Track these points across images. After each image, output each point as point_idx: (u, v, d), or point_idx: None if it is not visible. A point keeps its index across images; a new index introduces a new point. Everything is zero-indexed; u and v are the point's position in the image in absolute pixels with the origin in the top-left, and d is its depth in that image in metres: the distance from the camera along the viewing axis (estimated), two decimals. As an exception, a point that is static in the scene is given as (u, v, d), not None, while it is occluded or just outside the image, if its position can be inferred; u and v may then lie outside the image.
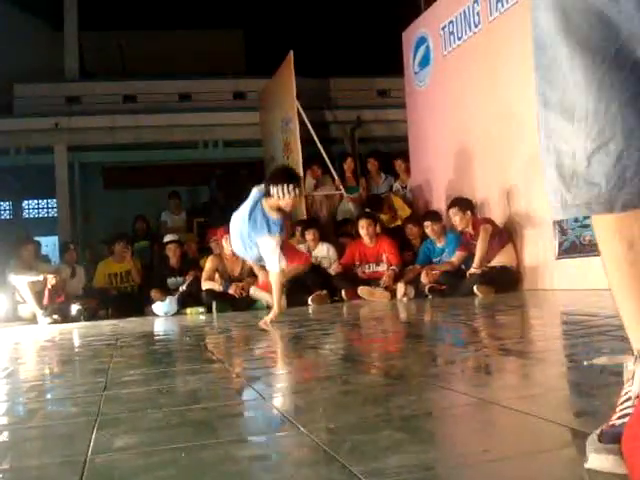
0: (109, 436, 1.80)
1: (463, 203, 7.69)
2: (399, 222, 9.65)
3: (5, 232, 12.95)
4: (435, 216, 8.21)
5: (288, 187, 5.19)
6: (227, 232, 8.26)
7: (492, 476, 1.25)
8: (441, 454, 1.43)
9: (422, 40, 9.82)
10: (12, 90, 13.47)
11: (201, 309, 8.19)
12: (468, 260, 7.63)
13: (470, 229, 7.65)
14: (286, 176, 5.36)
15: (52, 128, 13.06)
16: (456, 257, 7.76)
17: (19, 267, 8.92)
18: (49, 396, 2.81)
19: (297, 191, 5.30)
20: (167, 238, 9.70)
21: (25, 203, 17.97)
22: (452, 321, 5.00)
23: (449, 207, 7.84)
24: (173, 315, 8.06)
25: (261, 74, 12.92)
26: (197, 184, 14.80)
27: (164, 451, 1.59)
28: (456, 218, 7.68)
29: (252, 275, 8.13)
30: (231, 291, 8.04)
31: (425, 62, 9.76)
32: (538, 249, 7.29)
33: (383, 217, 9.55)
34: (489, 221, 7.55)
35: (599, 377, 1.99)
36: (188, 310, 8.23)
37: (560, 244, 6.84)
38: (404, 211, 9.81)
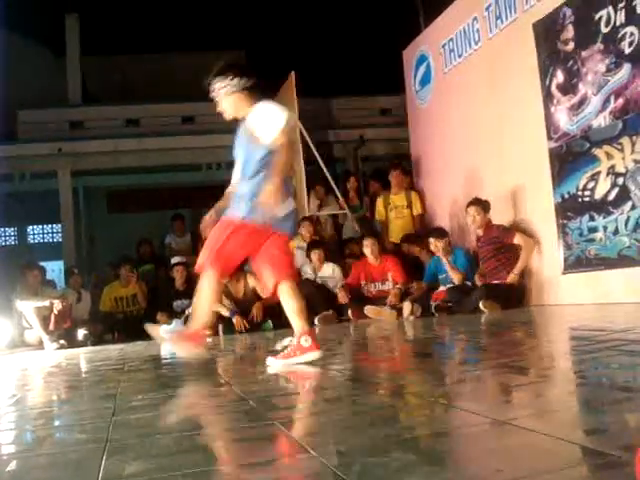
0: (119, 463, 1.79)
1: (482, 203, 7.67)
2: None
3: (10, 258, 12.98)
4: (440, 233, 8.19)
5: None
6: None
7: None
8: (453, 475, 1.41)
9: (423, 58, 9.86)
10: (16, 116, 13.52)
11: (207, 332, 8.15)
12: (472, 276, 7.63)
13: (481, 231, 7.64)
14: None
15: (55, 153, 13.07)
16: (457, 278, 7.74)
17: (25, 293, 8.92)
18: (57, 423, 2.80)
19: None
20: (174, 260, 9.71)
21: (30, 228, 18.03)
22: (459, 339, 4.99)
23: (468, 205, 7.76)
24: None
25: (263, 95, 12.93)
26: (201, 206, 14.80)
27: (174, 477, 1.58)
28: (475, 216, 7.65)
29: (256, 296, 8.15)
30: (235, 322, 8.03)
31: (426, 80, 9.79)
32: (543, 264, 7.28)
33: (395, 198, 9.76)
34: (508, 234, 7.52)
35: (609, 394, 1.98)
36: (194, 333, 8.19)
37: (565, 259, 6.82)
38: (417, 207, 9.79)
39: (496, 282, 7.32)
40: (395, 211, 9.90)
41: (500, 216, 7.75)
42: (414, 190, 10.05)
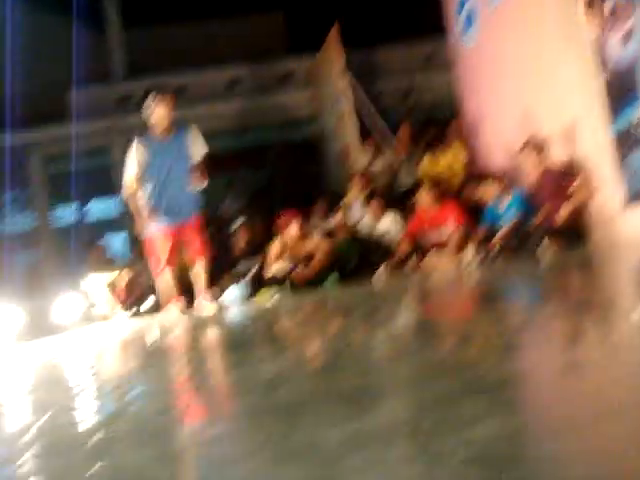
0: (197, 428, 1.84)
1: (537, 144, 7.54)
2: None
3: (74, 234, 13.26)
4: (495, 176, 8.07)
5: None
6: (295, 215, 8.32)
7: (580, 441, 1.24)
8: (526, 421, 1.42)
9: (466, -2, 9.64)
10: (65, 97, 13.69)
11: (272, 292, 8.22)
12: (532, 217, 7.51)
13: (540, 173, 7.53)
14: None
15: (107, 129, 13.24)
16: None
17: (93, 266, 9.13)
18: (137, 391, 2.87)
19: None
20: (236, 222, 9.80)
21: (90, 204, 18.35)
22: (523, 281, 4.95)
23: (522, 148, 7.66)
24: (244, 300, 8.10)
25: (307, 51, 12.89)
26: (255, 168, 14.87)
27: (252, 439, 1.62)
28: (529, 160, 7.54)
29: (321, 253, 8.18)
30: (296, 274, 8.08)
31: (471, 20, 9.57)
32: (603, 201, 7.13)
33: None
34: (565, 175, 7.40)
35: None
36: (259, 294, 8.27)
37: (627, 193, 6.67)
38: (462, 157, 9.71)
39: (556, 222, 7.21)
40: (443, 167, 9.79)
41: (557, 154, 7.61)
42: (458, 140, 9.92)
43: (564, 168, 7.41)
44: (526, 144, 7.59)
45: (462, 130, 10.09)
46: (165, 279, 6.60)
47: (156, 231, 6.45)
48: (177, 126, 6.56)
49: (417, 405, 1.66)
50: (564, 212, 7.16)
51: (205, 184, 6.46)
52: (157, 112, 6.29)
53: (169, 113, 6.30)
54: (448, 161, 9.69)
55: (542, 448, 1.22)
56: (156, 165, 6.40)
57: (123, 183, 6.51)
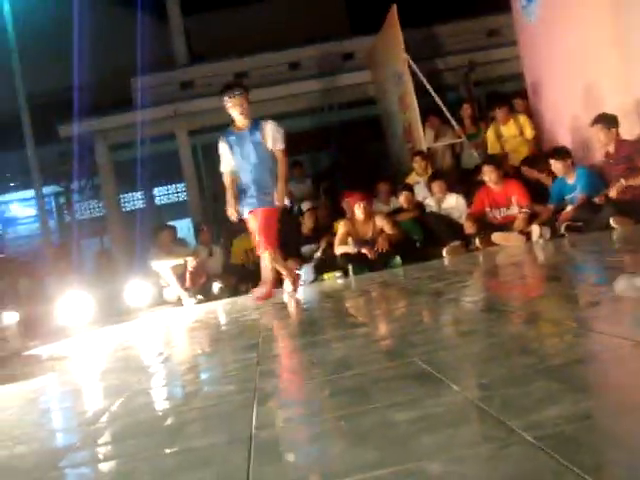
0: (270, 411, 1.87)
1: (609, 119, 7.39)
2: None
3: (142, 220, 13.50)
4: (562, 152, 7.94)
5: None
6: (360, 196, 8.33)
7: (653, 420, 1.23)
8: (598, 402, 1.41)
9: (527, -29, 9.46)
10: (129, 84, 13.91)
11: (338, 274, 8.26)
12: (601, 192, 7.37)
13: (612, 148, 7.39)
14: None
15: (171, 115, 13.41)
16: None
17: (159, 253, 9.28)
18: (206, 376, 2.93)
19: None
20: (305, 206, 9.87)
21: (156, 190, 18.67)
22: (592, 259, 4.88)
23: (593, 123, 7.51)
24: (311, 282, 8.15)
25: (367, 32, 12.85)
26: (318, 150, 14.90)
27: (324, 421, 1.65)
28: (601, 134, 7.40)
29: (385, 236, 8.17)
30: (364, 250, 8.08)
31: (532, -4, 9.41)
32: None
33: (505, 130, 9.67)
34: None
35: None
36: (325, 276, 8.30)
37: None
38: (528, 132, 9.61)
39: (627, 197, 7.06)
40: (508, 142, 9.71)
41: (630, 130, 7.45)
42: (523, 114, 9.81)
43: (638, 142, 7.26)
44: (597, 118, 7.44)
45: (526, 105, 9.99)
46: (263, 263, 6.86)
47: (247, 216, 6.82)
48: (254, 120, 6.68)
49: (486, 385, 1.66)
50: (635, 184, 7.03)
51: (285, 174, 6.75)
52: (232, 112, 6.52)
53: (243, 111, 6.48)
54: (512, 132, 9.62)
55: (614, 431, 1.21)
56: (237, 157, 6.71)
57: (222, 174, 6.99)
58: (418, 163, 9.73)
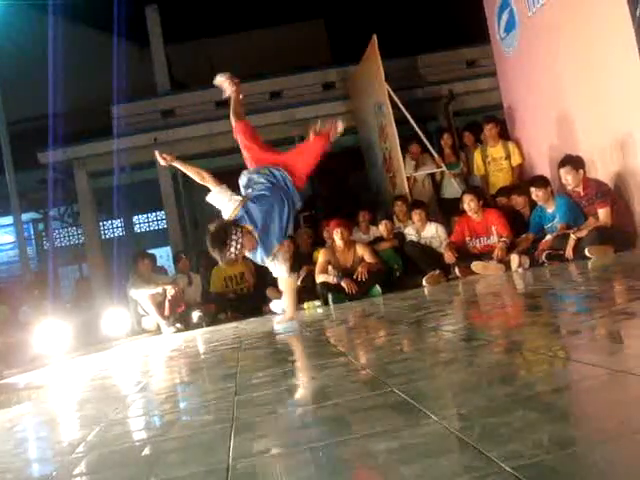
0: (247, 441, 1.86)
1: (575, 161, 7.47)
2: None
3: (120, 248, 13.46)
4: (541, 181, 8.00)
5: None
6: (338, 223, 8.32)
7: (635, 448, 1.24)
8: (578, 431, 1.41)
9: (505, 4, 9.58)
10: (109, 112, 13.90)
11: (317, 302, 8.25)
12: (579, 222, 7.43)
13: (580, 189, 7.46)
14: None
15: (151, 143, 13.40)
16: (602, 215, 7.43)
17: (138, 281, 9.23)
18: (183, 405, 2.91)
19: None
20: None
21: (135, 218, 18.62)
22: (570, 288, 4.90)
23: (560, 166, 7.59)
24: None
25: (347, 61, 12.96)
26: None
27: (302, 451, 1.63)
28: (568, 177, 7.46)
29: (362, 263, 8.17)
30: (344, 284, 8.07)
31: (511, 26, 9.53)
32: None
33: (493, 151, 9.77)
34: (604, 184, 7.35)
35: None
36: (305, 305, 8.28)
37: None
38: (515, 158, 9.67)
39: (609, 225, 7.11)
40: (494, 164, 9.78)
41: (600, 158, 7.54)
42: (510, 140, 9.90)
43: (603, 187, 7.37)
44: (564, 161, 7.53)
45: (506, 132, 10.10)
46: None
47: None
48: None
49: (466, 415, 1.65)
50: (606, 215, 7.11)
51: None
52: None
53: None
54: (499, 154, 9.70)
55: (593, 460, 1.21)
56: None
57: None
58: (399, 207, 9.64)
